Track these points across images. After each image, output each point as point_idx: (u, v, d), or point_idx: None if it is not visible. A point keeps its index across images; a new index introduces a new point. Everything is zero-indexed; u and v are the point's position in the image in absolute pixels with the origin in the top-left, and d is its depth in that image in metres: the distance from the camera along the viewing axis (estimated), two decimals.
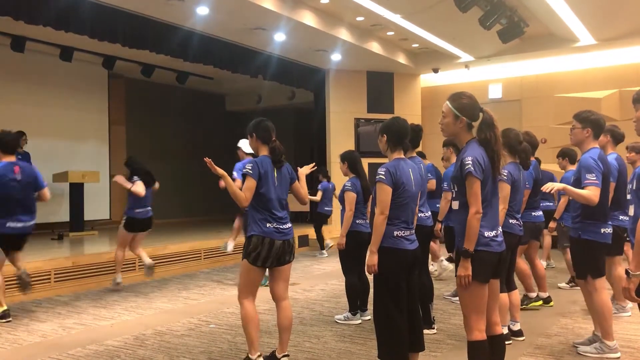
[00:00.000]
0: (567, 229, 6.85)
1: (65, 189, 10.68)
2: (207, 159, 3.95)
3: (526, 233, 5.02)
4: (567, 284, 7.05)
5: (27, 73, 10.83)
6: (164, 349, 4.64)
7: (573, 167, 6.87)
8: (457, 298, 6.32)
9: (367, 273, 3.70)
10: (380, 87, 12.39)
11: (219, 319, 5.67)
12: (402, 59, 11.55)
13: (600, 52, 10.93)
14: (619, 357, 4.26)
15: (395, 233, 3.60)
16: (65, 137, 11.55)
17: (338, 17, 9.39)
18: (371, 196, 5.48)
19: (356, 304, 5.53)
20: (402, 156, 3.74)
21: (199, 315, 5.81)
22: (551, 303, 5.94)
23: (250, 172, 3.90)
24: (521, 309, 5.37)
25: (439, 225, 6.33)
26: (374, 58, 11.02)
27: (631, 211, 2.85)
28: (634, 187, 2.85)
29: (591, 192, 4.08)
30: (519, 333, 4.78)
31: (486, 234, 3.09)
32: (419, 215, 4.82)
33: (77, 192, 10.47)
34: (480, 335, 3.10)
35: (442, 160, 6.55)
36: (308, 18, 8.81)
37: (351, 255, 5.48)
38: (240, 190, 3.89)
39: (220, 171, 3.91)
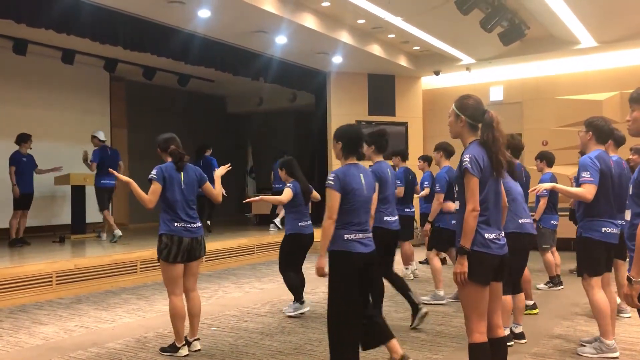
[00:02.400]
0: (546, 231, 6.95)
1: (67, 191, 10.69)
2: (110, 170, 4.65)
3: None
4: (545, 284, 7.16)
5: (29, 76, 10.84)
6: None
7: (550, 170, 6.97)
8: (453, 299, 6.37)
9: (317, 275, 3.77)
10: (382, 89, 12.39)
11: (220, 321, 5.67)
12: (403, 61, 11.55)
13: (601, 54, 10.94)
14: (617, 357, 4.27)
15: (346, 236, 3.64)
16: (66, 140, 11.56)
17: (339, 19, 9.39)
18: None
19: (300, 294, 5.81)
20: (355, 162, 3.81)
21: (200, 317, 5.80)
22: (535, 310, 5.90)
23: (155, 177, 4.42)
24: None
25: (427, 226, 6.41)
26: (375, 60, 11.03)
27: (627, 215, 2.84)
28: (630, 192, 2.85)
29: (584, 190, 4.15)
30: (521, 336, 4.78)
31: (486, 235, 3.09)
32: (385, 218, 5.04)
33: (78, 195, 10.48)
34: (480, 337, 3.11)
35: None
36: (309, 21, 8.82)
37: (290, 255, 5.80)
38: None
39: (125, 178, 4.47)
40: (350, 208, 3.65)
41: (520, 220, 4.50)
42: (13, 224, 9.12)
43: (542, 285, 7.12)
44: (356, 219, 3.68)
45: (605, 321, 4.29)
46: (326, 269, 3.65)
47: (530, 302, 5.79)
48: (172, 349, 4.53)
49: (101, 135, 9.91)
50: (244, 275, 8.54)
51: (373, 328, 3.86)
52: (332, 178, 3.66)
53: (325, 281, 7.18)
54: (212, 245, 9.24)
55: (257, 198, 5.74)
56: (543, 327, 5.28)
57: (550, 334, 5.02)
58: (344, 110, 12.09)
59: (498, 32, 8.73)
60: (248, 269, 9.04)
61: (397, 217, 5.23)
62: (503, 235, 3.22)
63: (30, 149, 9.38)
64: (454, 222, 6.18)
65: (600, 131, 4.36)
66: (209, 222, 10.88)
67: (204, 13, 8.04)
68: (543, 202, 6.81)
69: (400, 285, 5.29)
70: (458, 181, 3.17)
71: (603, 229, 4.30)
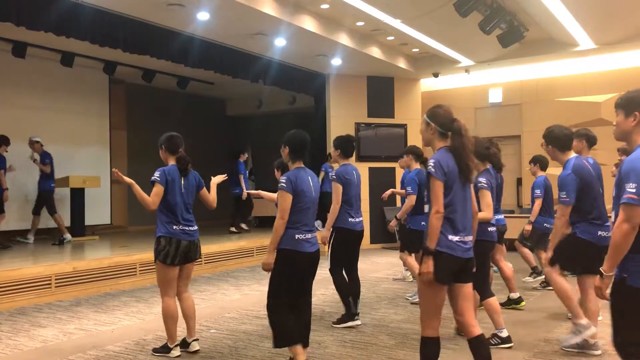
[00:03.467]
0: (537, 232, 7.10)
1: (66, 194, 10.68)
2: (114, 170, 4.53)
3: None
4: (530, 276, 7.53)
5: (28, 78, 10.84)
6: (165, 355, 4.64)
7: (543, 173, 7.10)
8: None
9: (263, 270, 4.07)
10: (381, 91, 12.40)
11: (219, 324, 5.67)
12: (402, 63, 11.56)
13: (600, 56, 10.95)
14: (595, 332, 4.41)
15: (297, 236, 3.93)
16: (66, 142, 11.56)
17: (338, 22, 9.41)
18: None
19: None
20: (302, 166, 4.08)
21: (199, 320, 5.78)
22: (522, 303, 6.08)
23: (158, 179, 4.44)
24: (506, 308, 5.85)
25: (393, 222, 6.58)
26: (374, 63, 11.04)
27: (613, 217, 2.90)
28: (613, 194, 2.91)
29: (559, 215, 4.36)
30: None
31: (450, 237, 3.22)
32: (350, 219, 5.37)
33: (78, 197, 10.47)
34: (432, 332, 3.25)
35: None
36: (308, 23, 8.83)
37: None
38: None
39: (128, 180, 4.43)
40: (299, 209, 3.93)
41: (489, 229, 4.73)
42: None
43: (527, 278, 7.41)
44: (305, 220, 3.98)
45: (573, 304, 4.49)
46: (272, 265, 3.95)
47: (516, 295, 6.07)
48: (164, 349, 4.56)
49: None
50: (244, 277, 8.53)
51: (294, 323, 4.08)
52: (284, 180, 3.92)
53: (324, 283, 7.20)
54: (212, 247, 9.25)
55: (255, 192, 5.86)
56: (542, 328, 5.28)
57: (549, 336, 5.02)
58: (343, 112, 12.10)
59: (497, 34, 8.74)
60: (247, 272, 9.03)
61: (361, 219, 5.52)
62: (470, 239, 3.33)
63: (7, 152, 9.30)
64: (423, 223, 6.32)
65: (559, 140, 4.49)
66: (243, 226, 11.55)
67: (203, 16, 8.04)
68: (538, 204, 6.88)
69: (352, 289, 5.54)
70: (427, 186, 3.30)
71: (599, 233, 4.39)
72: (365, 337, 5.06)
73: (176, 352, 4.54)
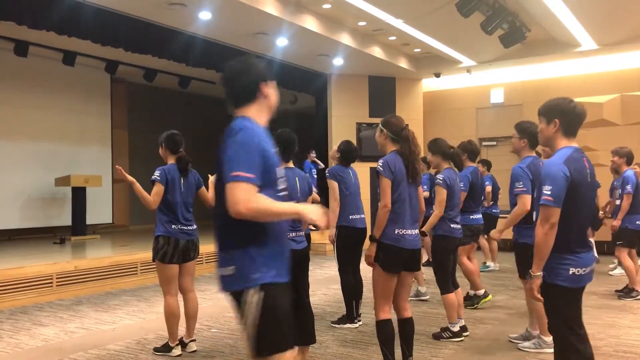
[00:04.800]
0: None
1: (67, 193, 10.71)
2: (117, 167, 4.61)
3: (467, 235, 5.48)
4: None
5: (30, 77, 10.86)
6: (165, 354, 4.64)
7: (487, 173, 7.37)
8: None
9: None
10: (382, 91, 12.38)
11: (220, 323, 5.67)
12: (404, 63, 11.56)
13: (601, 57, 10.94)
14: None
15: None
16: (67, 141, 11.59)
17: (340, 22, 9.40)
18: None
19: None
20: (291, 165, 4.17)
21: (200, 319, 5.78)
22: (488, 297, 6.15)
23: (158, 178, 4.48)
24: (473, 308, 5.98)
25: None
26: (376, 63, 11.03)
27: (534, 217, 3.10)
28: (535, 195, 3.06)
29: (520, 205, 4.33)
30: (464, 328, 4.98)
31: (396, 231, 3.61)
32: (350, 217, 5.46)
33: (79, 196, 10.50)
34: (385, 315, 3.67)
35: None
36: (310, 23, 8.83)
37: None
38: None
39: (130, 178, 4.50)
40: None
41: (452, 225, 4.87)
42: None
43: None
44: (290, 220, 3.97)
45: (544, 320, 4.44)
46: None
47: (481, 292, 6.09)
48: (165, 348, 4.57)
49: None
50: None
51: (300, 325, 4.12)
52: None
53: (325, 282, 7.21)
54: (211, 247, 9.23)
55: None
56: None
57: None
58: (345, 112, 12.09)
59: (499, 34, 8.73)
60: None
61: (363, 215, 5.56)
62: (417, 232, 3.72)
63: None
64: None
65: (534, 137, 4.50)
66: None
67: (205, 15, 8.05)
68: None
69: (354, 289, 5.55)
70: (377, 183, 3.66)
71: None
72: (365, 337, 5.06)
73: (177, 350, 4.55)
